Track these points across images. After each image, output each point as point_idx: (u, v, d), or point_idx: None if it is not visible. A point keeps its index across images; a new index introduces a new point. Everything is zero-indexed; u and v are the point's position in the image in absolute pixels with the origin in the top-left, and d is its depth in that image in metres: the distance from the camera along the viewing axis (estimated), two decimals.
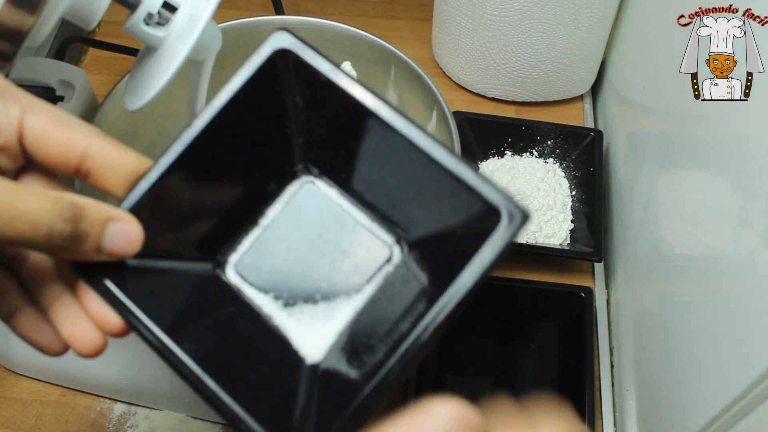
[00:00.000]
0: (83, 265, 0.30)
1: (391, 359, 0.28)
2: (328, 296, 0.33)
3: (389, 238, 0.33)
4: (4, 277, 0.31)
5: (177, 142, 0.32)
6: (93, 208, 0.28)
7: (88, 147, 0.29)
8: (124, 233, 0.29)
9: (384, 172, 0.32)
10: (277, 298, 0.34)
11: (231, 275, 0.34)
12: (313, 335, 0.33)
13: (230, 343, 0.32)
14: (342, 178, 0.34)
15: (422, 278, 0.32)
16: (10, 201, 0.26)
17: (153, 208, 0.31)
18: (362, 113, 0.31)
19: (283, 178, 0.34)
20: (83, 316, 0.30)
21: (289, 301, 0.34)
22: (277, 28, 0.32)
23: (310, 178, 0.35)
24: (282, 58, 0.31)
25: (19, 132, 0.29)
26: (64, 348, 0.31)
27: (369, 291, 0.33)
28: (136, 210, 0.30)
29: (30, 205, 0.26)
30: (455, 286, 0.28)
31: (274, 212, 0.35)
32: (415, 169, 0.31)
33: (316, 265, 0.34)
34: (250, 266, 0.34)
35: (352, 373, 0.31)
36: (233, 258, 0.34)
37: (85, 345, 0.30)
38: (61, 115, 0.30)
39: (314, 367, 0.32)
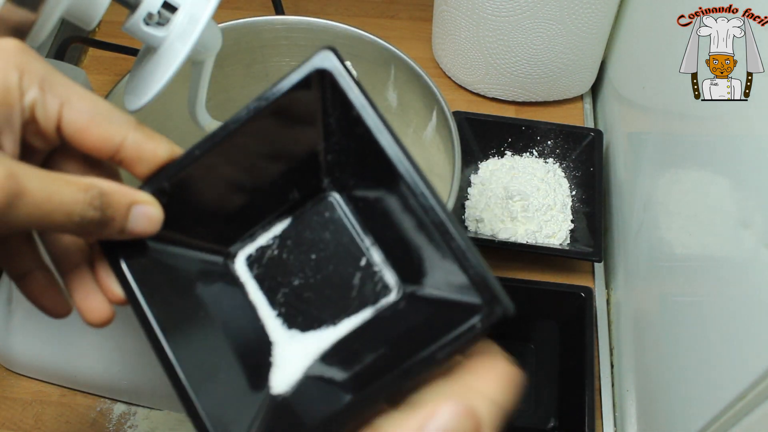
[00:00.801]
0: (106, 240, 0.31)
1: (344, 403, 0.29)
2: (319, 321, 0.33)
3: (392, 280, 0.33)
4: (21, 241, 0.32)
5: (208, 137, 0.32)
6: (118, 193, 0.30)
7: (124, 140, 0.30)
8: (145, 215, 0.31)
9: (398, 222, 0.32)
10: (272, 304, 0.34)
11: (237, 270, 0.34)
12: (291, 355, 0.33)
13: (214, 340, 0.33)
14: (362, 207, 0.34)
15: (401, 331, 0.32)
16: (47, 194, 0.27)
17: (173, 196, 0.32)
18: (386, 162, 0.30)
19: (307, 189, 0.34)
20: (96, 288, 0.32)
21: (282, 311, 0.34)
22: (324, 46, 0.31)
23: (334, 196, 0.34)
24: (321, 78, 0.31)
25: (57, 124, 0.30)
26: (65, 312, 0.33)
27: (350, 326, 0.33)
28: (157, 194, 0.31)
29: (64, 197, 0.28)
30: (420, 356, 0.28)
31: (289, 220, 0.35)
32: (424, 233, 0.30)
33: (315, 283, 0.34)
34: (256, 265, 0.34)
35: (311, 402, 0.31)
36: (243, 253, 0.35)
37: (93, 315, 0.32)
38: (100, 107, 0.30)
39: (276, 395, 0.32)
